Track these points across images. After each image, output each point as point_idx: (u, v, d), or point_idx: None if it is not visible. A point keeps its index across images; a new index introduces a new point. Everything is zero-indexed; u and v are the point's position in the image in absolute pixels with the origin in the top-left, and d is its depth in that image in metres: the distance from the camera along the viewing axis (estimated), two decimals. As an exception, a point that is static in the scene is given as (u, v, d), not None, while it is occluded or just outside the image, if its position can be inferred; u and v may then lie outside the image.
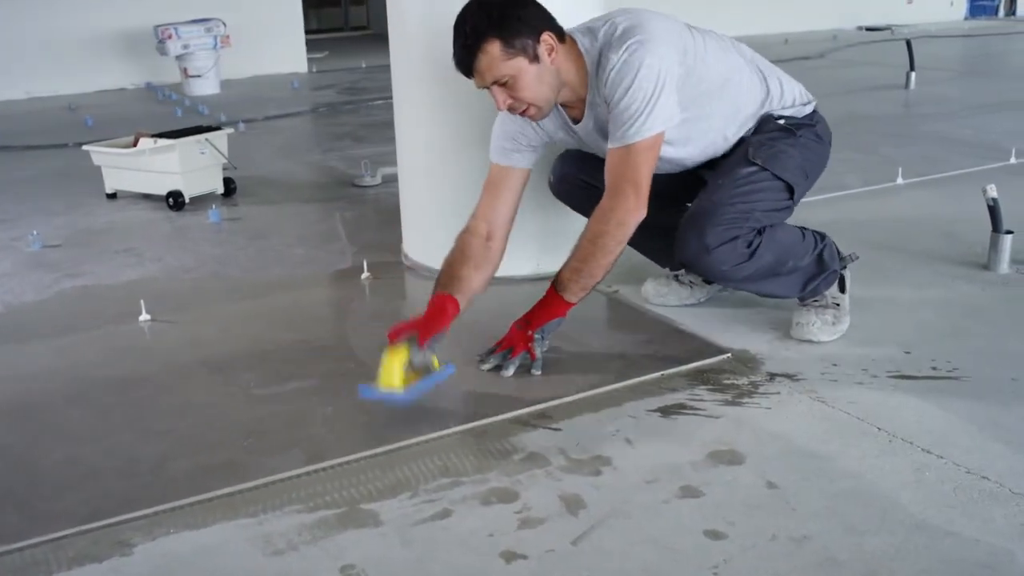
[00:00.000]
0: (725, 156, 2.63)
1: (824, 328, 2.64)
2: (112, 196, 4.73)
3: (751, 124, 2.63)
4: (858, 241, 3.44)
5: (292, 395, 2.38)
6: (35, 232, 3.96)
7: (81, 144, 6.23)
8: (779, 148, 2.56)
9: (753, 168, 2.52)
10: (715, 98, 2.53)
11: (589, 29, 2.44)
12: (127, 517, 1.91)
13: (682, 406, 2.30)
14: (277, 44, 10.21)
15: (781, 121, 2.63)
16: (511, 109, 2.39)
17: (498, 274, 2.61)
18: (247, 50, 9.51)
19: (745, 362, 2.54)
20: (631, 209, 2.34)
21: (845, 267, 2.73)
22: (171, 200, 4.42)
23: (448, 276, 2.47)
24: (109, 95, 9.22)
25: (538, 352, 2.45)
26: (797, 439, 2.13)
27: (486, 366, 2.46)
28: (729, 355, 2.57)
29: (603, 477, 2.01)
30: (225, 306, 2.73)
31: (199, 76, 8.76)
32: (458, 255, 2.51)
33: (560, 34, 2.39)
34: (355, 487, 2.00)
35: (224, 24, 8.86)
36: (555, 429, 2.21)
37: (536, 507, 1.91)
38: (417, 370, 2.25)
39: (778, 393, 2.35)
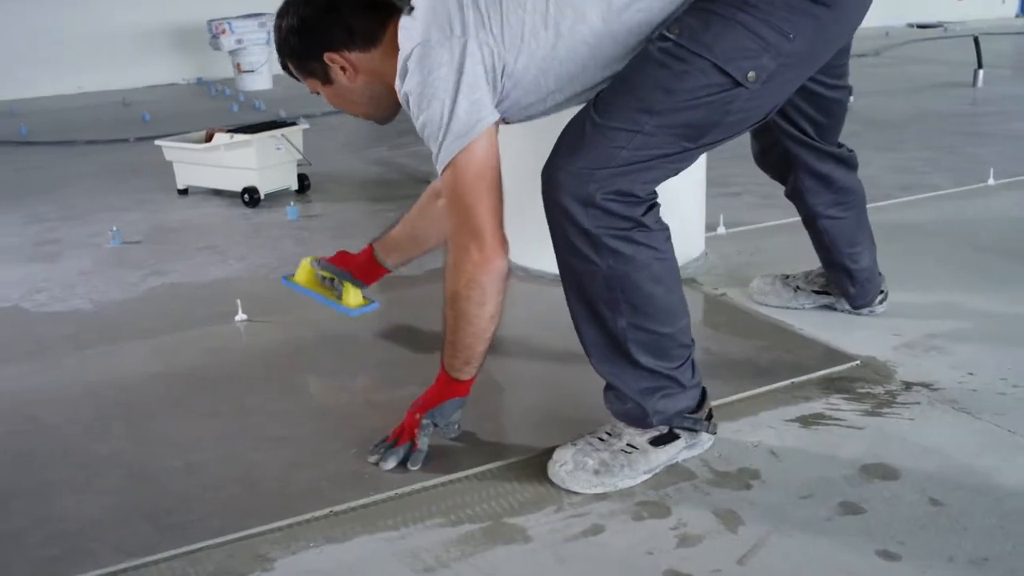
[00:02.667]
0: None
1: (577, 476, 1.92)
2: (183, 192, 4.68)
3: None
4: (963, 243, 3.34)
5: (409, 402, 2.28)
6: (115, 228, 3.90)
7: (142, 139, 6.25)
8: (715, 12, 1.79)
9: (665, 44, 1.80)
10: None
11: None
12: (262, 529, 1.83)
13: (821, 416, 2.20)
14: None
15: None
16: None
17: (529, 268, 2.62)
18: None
19: (876, 370, 2.43)
20: (478, 263, 1.86)
21: (691, 428, 1.98)
22: (246, 196, 4.35)
23: (396, 236, 2.57)
24: (161, 90, 9.20)
25: (422, 443, 2.01)
26: (951, 453, 2.03)
27: (371, 459, 2.04)
28: (858, 362, 2.46)
29: (755, 492, 1.91)
30: (320, 307, 2.65)
31: (252, 71, 8.72)
32: (416, 213, 2.54)
33: (367, 38, 1.98)
34: (495, 499, 1.91)
35: (278, 19, 8.79)
36: (693, 440, 2.11)
37: (691, 523, 1.81)
38: (332, 285, 2.63)
39: (918, 403, 2.24)
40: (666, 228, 1.88)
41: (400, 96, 1.89)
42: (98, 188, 4.98)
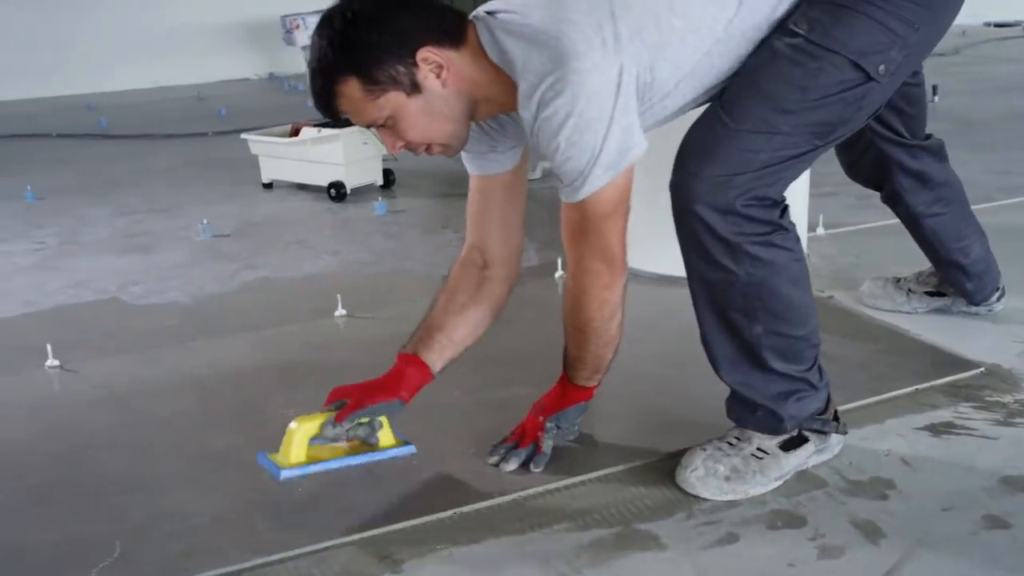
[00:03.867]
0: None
1: (707, 482, 1.86)
2: (268, 186, 4.68)
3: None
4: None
5: (520, 401, 2.24)
6: (205, 221, 3.90)
7: (221, 133, 6.29)
8: (841, 3, 1.72)
9: (795, 40, 1.72)
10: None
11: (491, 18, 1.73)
12: (387, 530, 1.80)
13: (951, 425, 2.12)
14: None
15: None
16: (411, 150, 1.79)
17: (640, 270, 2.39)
18: (369, 41, 9.44)
19: (1002, 378, 2.34)
20: (609, 284, 1.79)
21: (820, 430, 1.92)
22: (332, 191, 4.34)
23: (426, 326, 1.99)
24: (233, 85, 9.25)
25: (547, 446, 1.95)
26: (1095, 466, 1.94)
27: (491, 460, 1.98)
28: (983, 369, 2.38)
29: (892, 502, 1.84)
30: (417, 303, 2.60)
31: (324, 67, 8.71)
32: (445, 295, 2.02)
33: (455, 35, 1.72)
34: (622, 504, 1.86)
35: (351, 15, 8.81)
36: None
37: (830, 534, 1.75)
38: (346, 442, 1.88)
39: (1051, 413, 2.16)
40: (795, 227, 1.83)
41: (525, 117, 1.67)
42: (182, 181, 5.00)
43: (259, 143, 4.57)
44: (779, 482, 1.88)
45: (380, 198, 4.21)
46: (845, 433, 1.97)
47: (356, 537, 1.78)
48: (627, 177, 1.72)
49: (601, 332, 1.85)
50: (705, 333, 1.87)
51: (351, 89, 1.68)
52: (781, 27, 1.74)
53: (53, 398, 2.50)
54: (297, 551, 1.74)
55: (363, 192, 4.45)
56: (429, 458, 2.03)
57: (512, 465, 1.95)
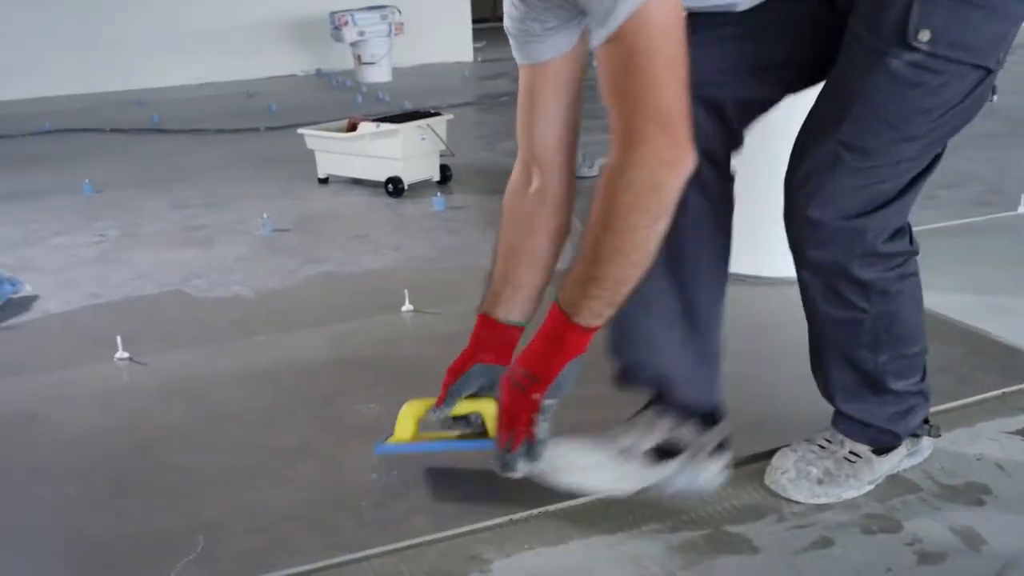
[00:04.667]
0: None
1: (799, 484, 1.79)
2: (324, 181, 4.66)
3: None
4: None
5: (600, 401, 2.19)
6: (265, 215, 3.89)
7: (272, 129, 6.30)
8: None
9: (914, 55, 1.50)
10: None
11: None
12: (473, 528, 1.77)
13: (1043, 429, 2.07)
14: (445, 32, 10.14)
15: None
16: None
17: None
18: (416, 38, 9.45)
19: (1092, 381, 2.28)
20: (669, 160, 1.41)
21: (917, 435, 1.88)
22: (390, 186, 4.32)
23: (496, 283, 1.82)
24: (281, 81, 9.27)
25: (542, 430, 1.63)
26: None
27: (516, 473, 1.69)
28: (1071, 372, 2.31)
29: (989, 509, 1.79)
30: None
31: (373, 63, 8.73)
32: (505, 238, 1.82)
33: None
34: (711, 505, 1.82)
35: (399, 11, 8.82)
36: (910, 450, 1.99)
37: (927, 539, 1.70)
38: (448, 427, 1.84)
39: None
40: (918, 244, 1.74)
41: None
42: (237, 176, 5.00)
43: (316, 138, 4.56)
44: (871, 486, 1.84)
45: (438, 193, 4.18)
46: (938, 436, 1.91)
47: (443, 535, 1.75)
48: (671, 12, 1.40)
49: (638, 239, 1.45)
50: (823, 367, 1.80)
51: None
52: (899, 37, 1.50)
53: (124, 390, 2.49)
54: (382, 549, 1.72)
55: (419, 188, 4.42)
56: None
57: (519, 470, 1.67)
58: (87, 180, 4.76)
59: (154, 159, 5.66)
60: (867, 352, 1.72)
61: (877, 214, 1.59)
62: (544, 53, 1.68)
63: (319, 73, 9.58)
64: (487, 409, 1.78)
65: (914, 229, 1.72)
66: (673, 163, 1.41)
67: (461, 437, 1.86)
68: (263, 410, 2.29)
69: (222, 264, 3.47)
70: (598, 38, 1.41)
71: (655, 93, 1.39)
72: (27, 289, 3.20)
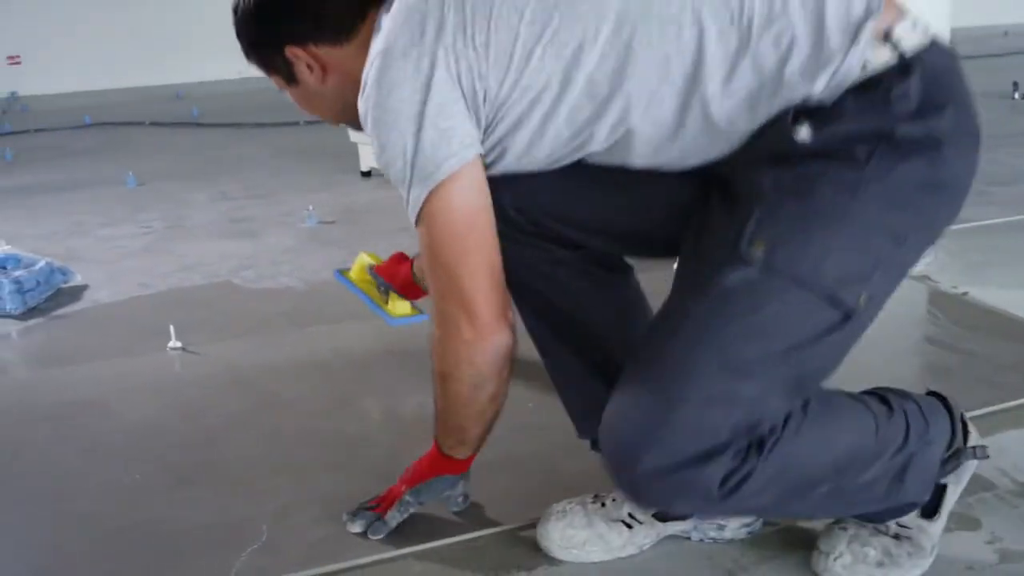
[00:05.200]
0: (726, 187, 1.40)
1: (857, 570, 1.50)
2: (366, 174, 4.66)
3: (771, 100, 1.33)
4: None
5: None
6: (310, 208, 3.89)
7: (312, 123, 6.29)
8: (816, 207, 1.30)
9: (748, 270, 1.30)
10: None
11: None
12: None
13: (1117, 426, 2.02)
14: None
15: (821, 134, 1.31)
16: None
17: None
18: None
19: None
20: (470, 341, 1.45)
21: (954, 468, 1.55)
22: (434, 180, 4.30)
23: None
24: (317, 76, 9.29)
25: (391, 517, 1.69)
26: None
27: (344, 517, 1.74)
28: None
29: (1069, 506, 1.74)
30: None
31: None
32: None
33: (341, 30, 1.50)
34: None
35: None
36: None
37: (1008, 537, 1.66)
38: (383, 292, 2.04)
39: None
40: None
41: (360, 116, 1.45)
42: (278, 168, 5.02)
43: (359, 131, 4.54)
44: (935, 550, 1.55)
45: (483, 187, 4.16)
46: (985, 457, 1.59)
47: (509, 527, 1.73)
48: (466, 195, 1.40)
49: (464, 398, 1.53)
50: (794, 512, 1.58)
51: (253, 58, 1.62)
52: (732, 250, 1.32)
53: (179, 379, 2.49)
54: (448, 540, 1.70)
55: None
56: (575, 449, 1.96)
57: (356, 528, 1.70)
58: (130, 172, 4.77)
59: (195, 152, 5.68)
60: (800, 500, 1.42)
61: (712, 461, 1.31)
62: None
63: (355, 68, 9.60)
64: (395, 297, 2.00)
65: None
66: (475, 343, 1.46)
67: (377, 299, 2.05)
68: (321, 400, 2.28)
69: (269, 256, 3.47)
70: (411, 221, 1.45)
71: (453, 280, 1.44)
72: (77, 279, 3.21)
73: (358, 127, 1.55)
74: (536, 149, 1.43)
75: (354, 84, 1.48)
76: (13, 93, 8.62)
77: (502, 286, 1.46)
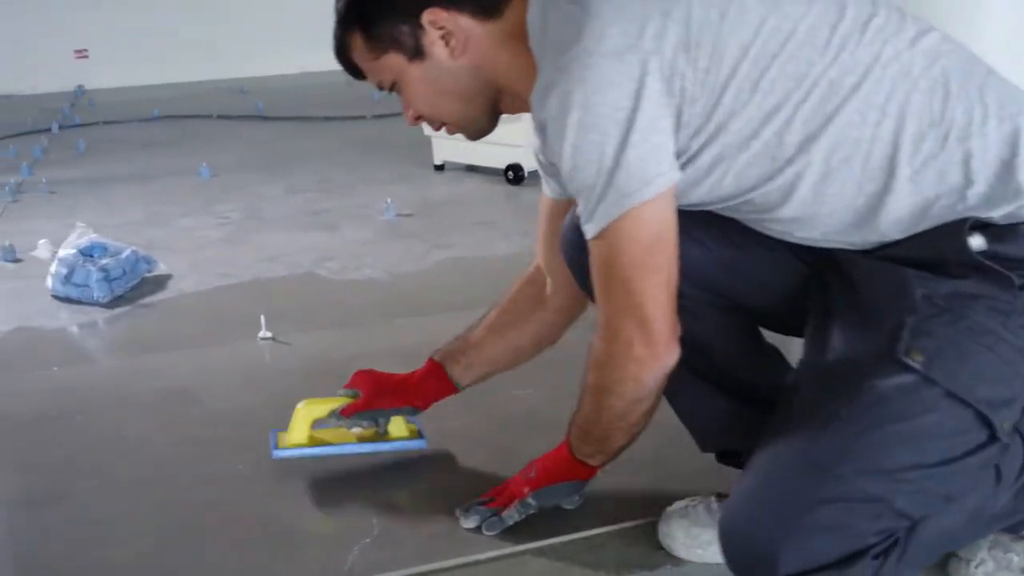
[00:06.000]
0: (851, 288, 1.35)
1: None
2: (439, 167, 4.63)
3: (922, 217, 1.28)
4: None
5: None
6: (388, 200, 3.86)
7: (380, 116, 6.29)
8: (970, 326, 1.24)
9: (905, 377, 1.23)
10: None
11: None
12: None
13: None
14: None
15: (992, 249, 1.25)
16: (426, 123, 1.55)
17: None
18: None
19: None
20: (644, 359, 1.38)
21: None
22: (510, 173, 4.27)
23: (463, 337, 1.84)
24: (378, 71, 9.29)
25: (508, 516, 1.62)
26: None
27: (457, 510, 1.67)
28: None
29: None
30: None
31: (472, 54, 8.70)
32: (496, 310, 1.82)
33: (489, 4, 1.41)
34: None
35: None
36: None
37: None
38: (371, 426, 1.83)
39: None
40: None
41: (534, 120, 1.37)
42: (349, 161, 5.00)
43: (433, 123, 4.51)
44: None
45: (560, 181, 4.11)
46: None
47: (628, 525, 1.67)
48: (662, 216, 1.32)
49: (619, 412, 1.46)
50: None
51: (357, 44, 1.46)
52: (885, 355, 1.24)
53: (271, 369, 2.47)
54: (566, 537, 1.64)
55: (538, 176, 4.34)
56: (680, 444, 1.89)
57: (469, 523, 1.64)
58: (204, 164, 4.78)
59: (264, 144, 5.69)
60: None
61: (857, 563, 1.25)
62: (560, 191, 1.67)
63: (416, 63, 9.59)
64: (395, 420, 1.84)
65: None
66: (647, 361, 1.39)
67: (367, 438, 1.84)
68: (417, 393, 2.23)
69: (350, 247, 3.45)
70: (586, 232, 1.36)
71: (634, 298, 1.36)
72: (161, 268, 3.20)
73: (469, 131, 1.55)
74: (694, 189, 1.36)
75: (489, 72, 1.43)
76: (80, 87, 8.71)
77: (675, 301, 1.39)
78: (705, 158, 1.32)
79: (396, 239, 3.51)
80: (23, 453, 2.04)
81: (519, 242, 3.43)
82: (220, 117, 6.70)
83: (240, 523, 1.74)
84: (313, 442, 1.82)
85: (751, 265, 1.48)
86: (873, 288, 1.32)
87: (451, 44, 1.41)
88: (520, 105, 1.47)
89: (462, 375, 1.83)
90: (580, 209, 1.35)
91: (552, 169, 1.58)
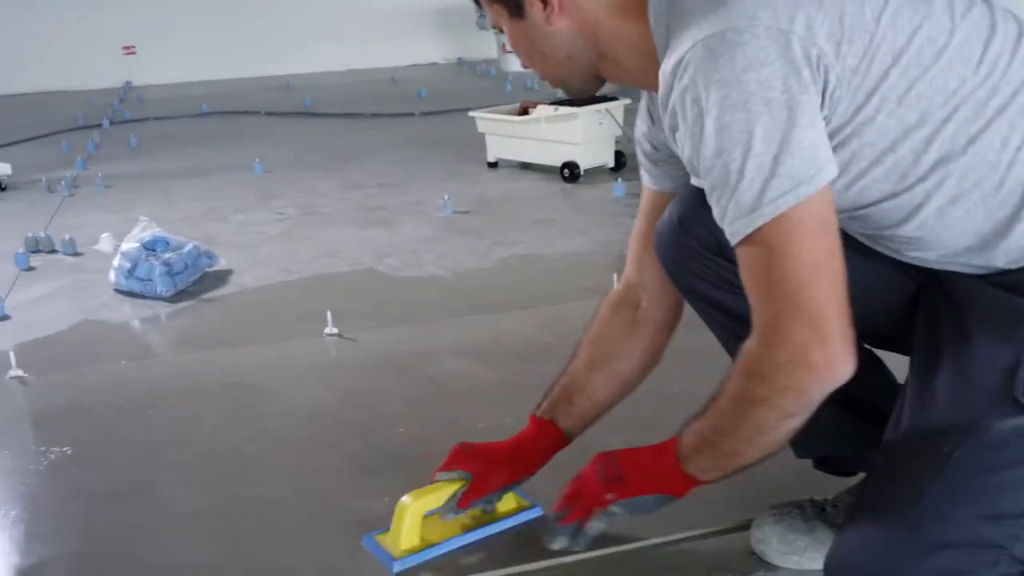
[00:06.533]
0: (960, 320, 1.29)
1: None
2: (493, 165, 4.60)
3: None
4: None
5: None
6: (446, 197, 3.84)
7: (428, 114, 6.28)
8: None
9: (1022, 419, 1.18)
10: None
11: None
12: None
13: None
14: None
15: None
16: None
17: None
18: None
19: None
20: (819, 368, 1.22)
21: None
22: (566, 171, 4.24)
23: (565, 384, 1.66)
24: (423, 69, 9.31)
25: (592, 528, 1.49)
26: None
27: (555, 545, 1.52)
28: None
29: None
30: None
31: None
32: (590, 345, 1.66)
33: None
34: None
35: (546, -1, 8.75)
36: None
37: None
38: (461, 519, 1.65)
39: None
40: None
41: (660, 98, 1.27)
42: (401, 158, 4.99)
43: (488, 121, 4.50)
44: None
45: (618, 179, 4.07)
46: None
47: (718, 529, 1.64)
48: (828, 209, 1.20)
49: (767, 426, 1.29)
50: None
51: None
52: (1001, 395, 1.20)
53: (339, 365, 2.46)
54: (654, 540, 1.62)
55: (593, 174, 4.32)
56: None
57: (557, 544, 1.51)
58: (257, 159, 4.78)
59: (314, 140, 5.70)
60: None
61: None
62: (666, 182, 1.54)
63: (460, 62, 9.59)
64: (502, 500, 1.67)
65: None
66: (821, 368, 1.22)
67: (481, 522, 1.66)
68: (490, 390, 2.22)
69: (409, 244, 3.43)
70: (734, 233, 1.22)
71: (804, 298, 1.21)
72: (221, 263, 3.20)
73: (570, 88, 1.45)
74: None
75: (589, 38, 1.35)
76: (128, 83, 8.77)
77: (850, 316, 1.24)
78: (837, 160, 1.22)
79: (456, 236, 3.49)
80: (100, 445, 2.04)
81: (579, 240, 3.41)
82: (268, 113, 6.71)
83: (326, 520, 1.72)
84: (425, 542, 1.61)
85: (859, 278, 1.36)
86: (988, 319, 1.25)
87: (548, 9, 1.34)
88: (623, 75, 1.39)
89: (575, 425, 1.66)
90: (723, 202, 1.21)
91: (656, 155, 1.52)
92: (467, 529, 1.64)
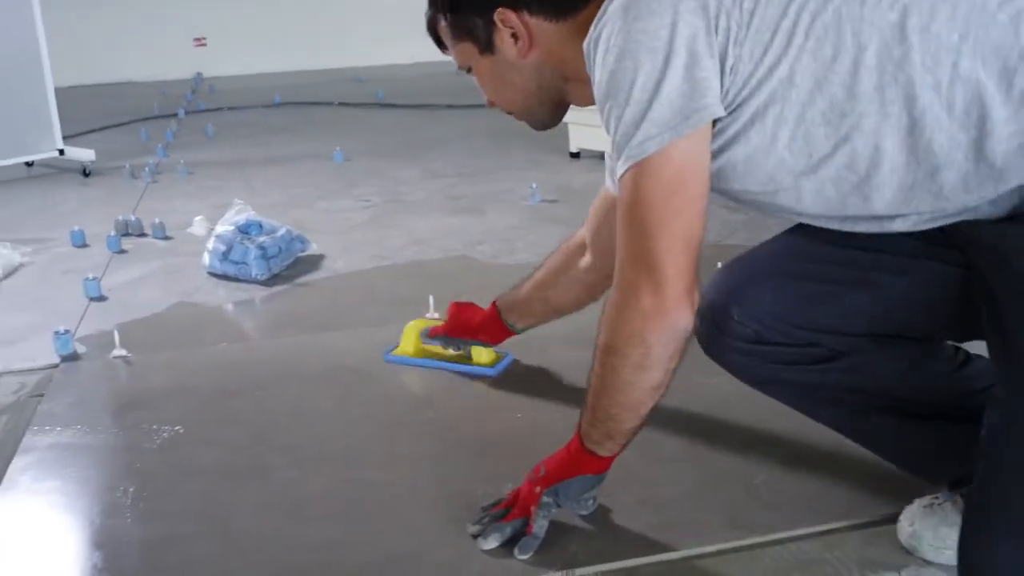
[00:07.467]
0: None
1: None
2: (575, 155, 4.55)
3: None
4: None
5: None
6: (534, 186, 3.79)
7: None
8: None
9: None
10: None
11: None
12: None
13: None
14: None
15: None
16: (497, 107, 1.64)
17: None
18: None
19: None
20: (649, 311, 1.29)
21: None
22: (651, 161, 4.15)
23: (516, 291, 2.10)
24: (491, 62, 9.26)
25: (538, 526, 1.50)
26: None
27: (471, 529, 1.56)
28: None
29: None
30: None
31: (587, 45, 8.62)
32: (544, 268, 2.06)
33: (562, 5, 1.45)
34: None
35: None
36: None
37: None
38: (457, 349, 2.21)
39: None
40: None
41: (585, 50, 1.32)
42: (479, 148, 4.95)
43: (572, 111, 4.42)
44: None
45: (707, 170, 3.99)
46: None
47: (863, 521, 1.57)
48: (693, 155, 1.25)
49: (623, 382, 1.37)
50: None
51: (442, 24, 1.58)
52: None
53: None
54: (799, 531, 1.55)
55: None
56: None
57: (491, 543, 1.52)
58: (337, 148, 4.76)
59: (390, 131, 5.68)
60: None
61: None
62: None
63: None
64: (476, 348, 2.18)
65: None
66: (653, 315, 1.30)
67: (454, 359, 2.21)
68: (602, 378, 2.15)
69: (499, 232, 3.38)
70: (617, 175, 1.30)
71: (648, 241, 1.27)
72: (313, 248, 3.17)
73: (535, 121, 1.62)
74: (763, 159, 1.28)
75: (555, 66, 1.47)
76: (199, 74, 8.82)
77: (696, 263, 1.31)
78: (769, 116, 1.25)
79: (545, 224, 3.44)
80: (211, 427, 2.01)
81: (674, 230, 3.33)
82: (341, 104, 6.71)
83: (449, 504, 1.67)
84: (419, 354, 2.24)
85: (897, 295, 1.38)
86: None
87: (519, 44, 1.47)
88: (588, 96, 1.41)
89: (516, 322, 2.09)
90: (613, 144, 1.29)
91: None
92: (450, 360, 2.21)
